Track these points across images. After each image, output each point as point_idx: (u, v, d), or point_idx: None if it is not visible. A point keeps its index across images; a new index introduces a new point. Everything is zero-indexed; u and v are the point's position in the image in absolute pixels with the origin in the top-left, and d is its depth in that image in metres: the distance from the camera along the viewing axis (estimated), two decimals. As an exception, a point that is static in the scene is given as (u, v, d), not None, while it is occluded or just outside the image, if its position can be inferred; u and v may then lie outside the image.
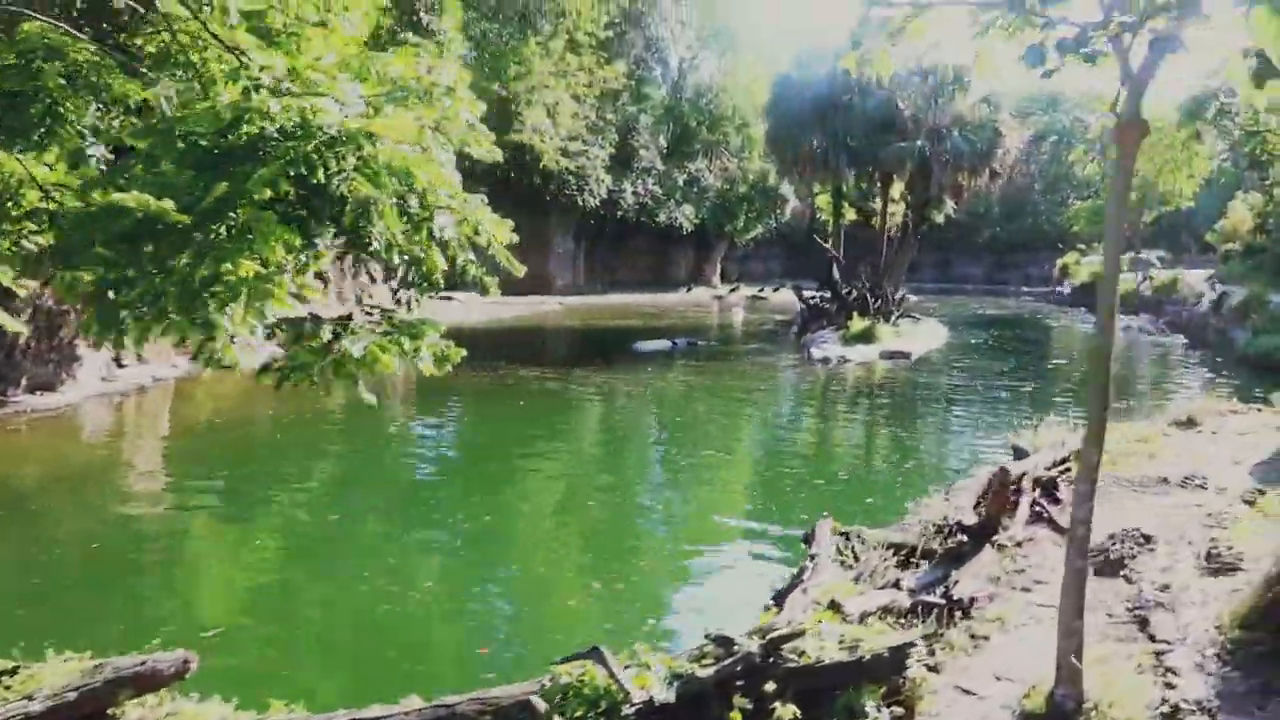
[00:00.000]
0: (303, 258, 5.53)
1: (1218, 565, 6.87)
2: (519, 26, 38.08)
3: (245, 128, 5.49)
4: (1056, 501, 8.42)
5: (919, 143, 30.77)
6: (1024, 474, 8.26)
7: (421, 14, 23.55)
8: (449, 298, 41.25)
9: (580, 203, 44.92)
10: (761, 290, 55.39)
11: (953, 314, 45.14)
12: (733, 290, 56.58)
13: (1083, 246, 62.34)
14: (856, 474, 11.69)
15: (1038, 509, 7.90)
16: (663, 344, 26.20)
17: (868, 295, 28.51)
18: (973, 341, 30.91)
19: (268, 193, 5.06)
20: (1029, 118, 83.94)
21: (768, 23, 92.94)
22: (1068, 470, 9.28)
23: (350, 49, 6.47)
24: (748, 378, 21.16)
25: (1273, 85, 4.69)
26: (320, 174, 5.29)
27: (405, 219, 6.52)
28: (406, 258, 6.45)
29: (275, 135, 5.44)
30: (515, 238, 6.99)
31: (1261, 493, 8.60)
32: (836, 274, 31.29)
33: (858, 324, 26.26)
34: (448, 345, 6.47)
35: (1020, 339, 32.35)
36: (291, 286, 5.47)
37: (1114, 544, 7.13)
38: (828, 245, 34.15)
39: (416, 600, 7.50)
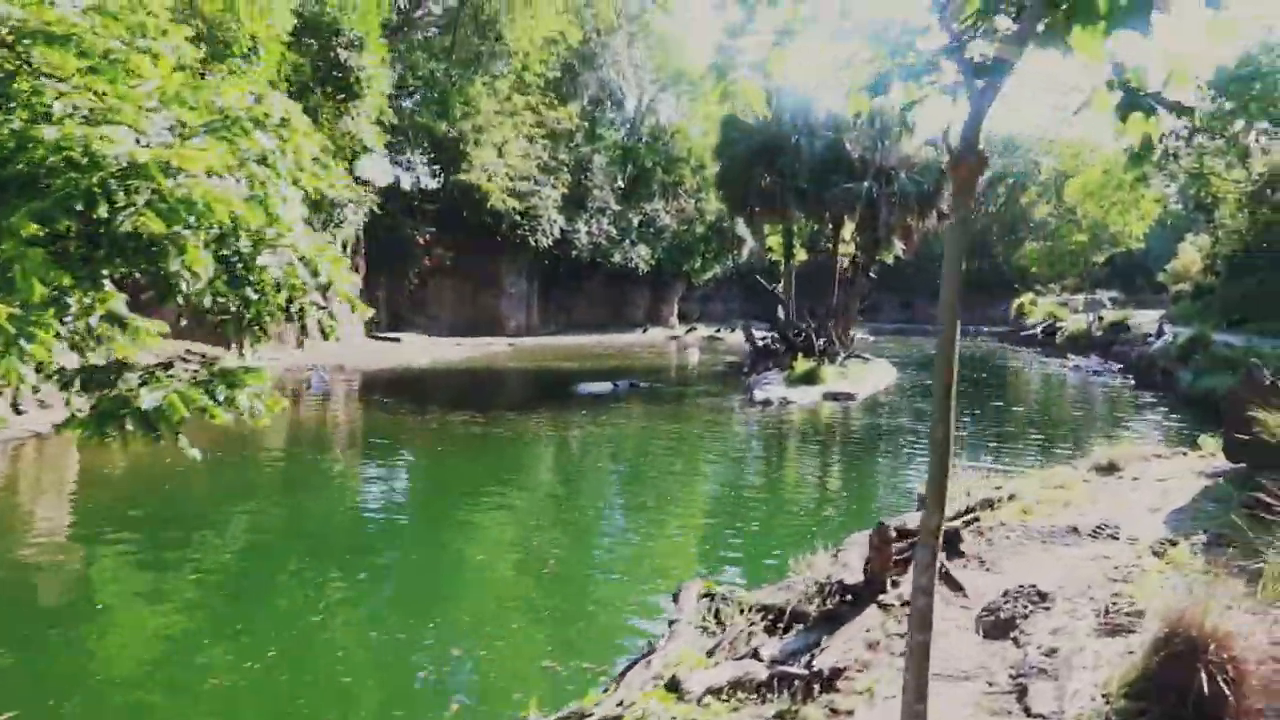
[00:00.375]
0: (87, 300, 5.05)
1: (1115, 624, 6.47)
2: (466, 66, 37.94)
3: (23, 157, 5.02)
4: (960, 555, 8.01)
5: (866, 184, 30.88)
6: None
7: (339, 50, 23.00)
8: (396, 339, 40.62)
9: (533, 243, 44.57)
10: (718, 331, 55.23)
11: (907, 354, 45.12)
12: (689, 331, 56.34)
13: (1039, 288, 63.12)
14: (770, 524, 11.19)
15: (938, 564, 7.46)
16: (604, 386, 25.77)
17: (813, 335, 28.26)
18: (923, 382, 30.73)
19: (33, 228, 4.58)
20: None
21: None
22: (975, 520, 8.92)
23: (176, 77, 6.04)
24: (683, 420, 20.70)
25: (1136, 120, 4.42)
26: (103, 208, 4.82)
27: (237, 259, 6.06)
28: (223, 299, 5.99)
29: (61, 166, 4.97)
30: (357, 279, 6.57)
31: (1173, 543, 8.24)
32: (782, 314, 31.07)
33: (802, 365, 25.94)
34: (267, 395, 5.99)
35: (970, 380, 32.20)
36: (63, 329, 4.99)
37: (1007, 602, 6.71)
38: (773, 286, 34.04)
39: (254, 673, 6.91)
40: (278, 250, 5.85)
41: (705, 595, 6.17)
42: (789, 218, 33.65)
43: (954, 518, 8.48)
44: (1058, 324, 50.50)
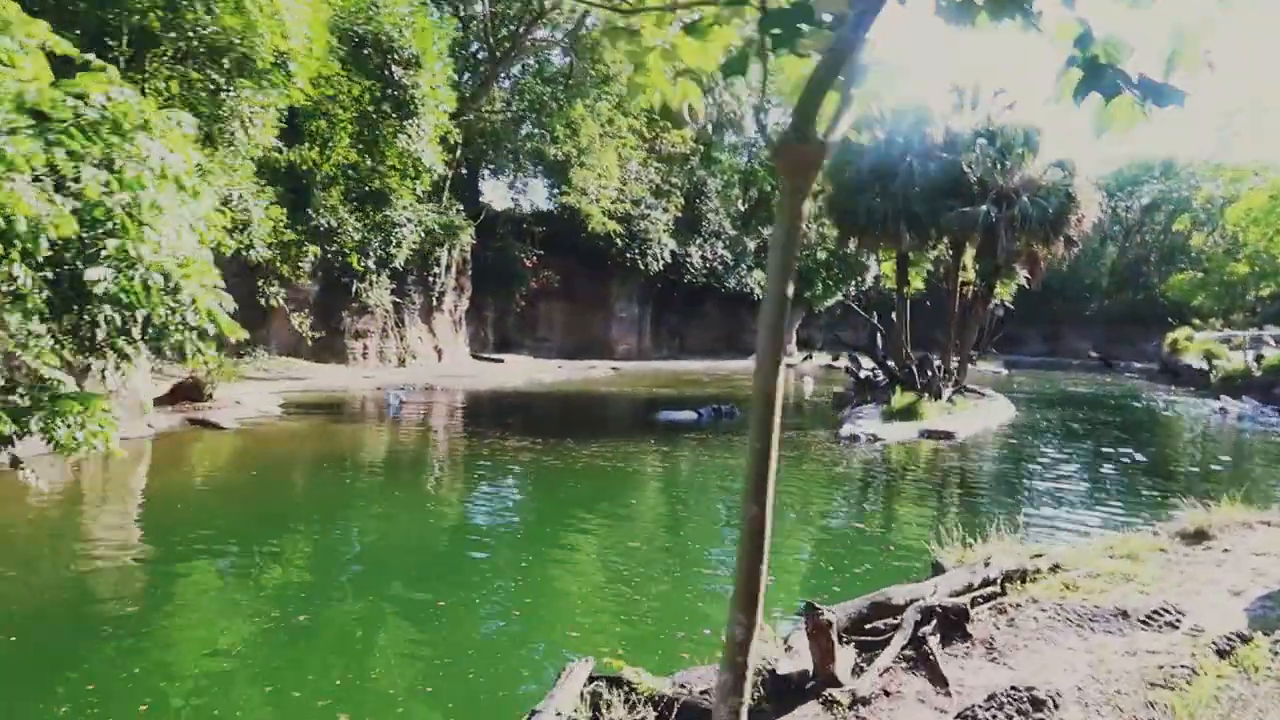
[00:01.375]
0: None
1: (1127, 752, 5.07)
2: (571, 90, 37.90)
3: None
4: (965, 638, 6.65)
5: (984, 207, 28.87)
6: (912, 601, 6.58)
7: (394, 68, 22.92)
8: (500, 360, 40.75)
9: (642, 266, 44.03)
10: (836, 359, 53.20)
11: (1036, 389, 42.16)
12: (805, 359, 54.46)
13: (1197, 322, 58.00)
14: (783, 583, 9.90)
15: (924, 650, 6.16)
16: (688, 414, 24.74)
17: (914, 368, 26.41)
18: (1039, 423, 28.29)
19: None
20: (1141, 185, 79.99)
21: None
22: (996, 596, 7.50)
23: (45, 77, 5.56)
24: (754, 455, 19.37)
25: (1096, 106, 3.32)
26: None
27: (73, 272, 5.50)
28: (46, 318, 5.43)
29: None
30: (230, 299, 5.90)
31: (1245, 639, 6.51)
32: (880, 344, 29.26)
33: (901, 399, 24.20)
34: (96, 428, 5.34)
35: (1094, 421, 29.45)
36: None
37: (989, 711, 5.37)
38: (869, 314, 32.24)
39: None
40: (133, 265, 5.27)
41: (597, 679, 5.15)
42: (901, 243, 31.84)
43: (964, 590, 7.12)
44: (1213, 362, 46.13)
